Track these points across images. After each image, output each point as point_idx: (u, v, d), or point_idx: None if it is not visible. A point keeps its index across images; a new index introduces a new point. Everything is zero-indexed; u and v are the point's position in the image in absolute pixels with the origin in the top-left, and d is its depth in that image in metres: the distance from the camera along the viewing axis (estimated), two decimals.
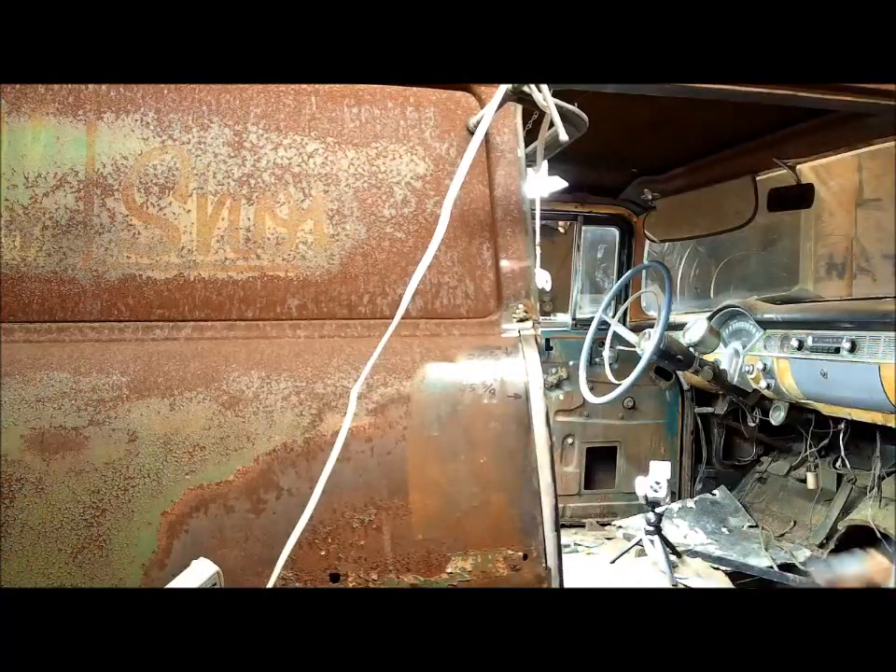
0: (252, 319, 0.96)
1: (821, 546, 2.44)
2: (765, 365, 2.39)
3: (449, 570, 0.89)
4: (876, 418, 2.09)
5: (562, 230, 3.57)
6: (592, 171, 2.80)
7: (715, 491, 2.98)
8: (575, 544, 2.77)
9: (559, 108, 0.95)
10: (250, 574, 0.84)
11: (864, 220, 2.66)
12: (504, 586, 0.90)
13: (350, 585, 0.86)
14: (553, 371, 3.01)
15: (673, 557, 2.46)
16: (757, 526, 2.75)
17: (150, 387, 0.88)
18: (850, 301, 2.54)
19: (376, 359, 0.86)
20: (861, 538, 2.21)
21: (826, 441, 2.55)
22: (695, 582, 2.36)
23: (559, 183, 2.81)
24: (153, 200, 0.94)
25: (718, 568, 2.48)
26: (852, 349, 2.03)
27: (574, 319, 3.16)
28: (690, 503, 2.92)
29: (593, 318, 2.77)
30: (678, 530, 2.76)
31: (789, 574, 2.37)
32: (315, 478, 0.82)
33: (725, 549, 2.62)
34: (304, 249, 0.98)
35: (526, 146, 1.09)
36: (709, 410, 2.97)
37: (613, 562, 2.56)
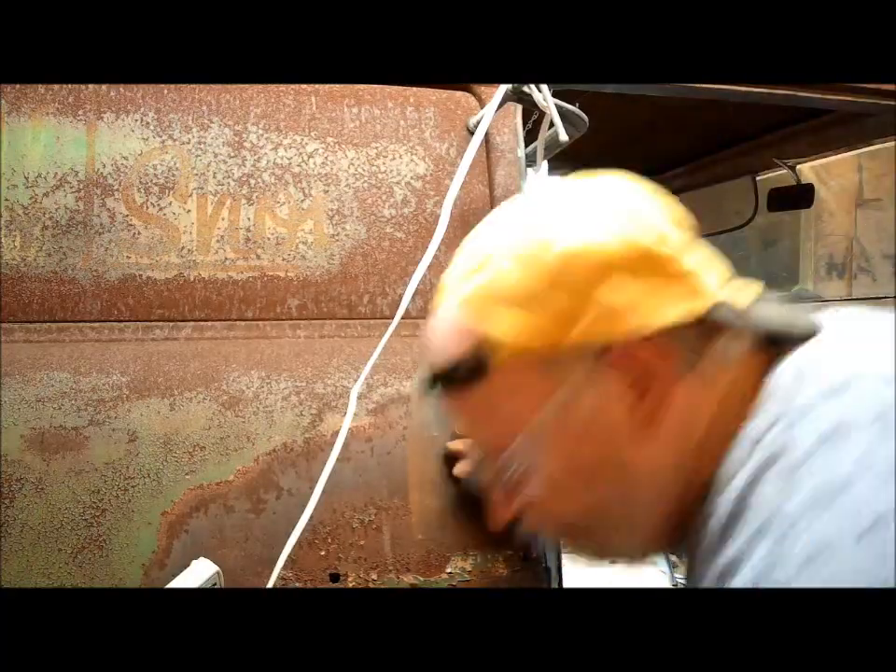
0: (252, 319, 0.96)
1: None
2: None
3: (449, 570, 0.89)
4: None
5: None
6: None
7: None
8: None
9: (559, 108, 0.95)
10: (250, 574, 0.84)
11: (864, 220, 2.66)
12: (504, 586, 0.90)
13: (350, 585, 0.86)
14: None
15: (673, 557, 2.46)
16: None
17: (150, 387, 0.88)
18: (850, 301, 2.54)
19: (376, 359, 0.86)
20: None
21: None
22: None
23: None
24: (153, 200, 0.94)
25: None
26: None
27: None
28: None
29: None
30: None
31: None
32: (315, 478, 0.83)
33: None
34: (304, 249, 0.98)
35: (526, 146, 1.09)
36: None
37: (613, 562, 2.55)
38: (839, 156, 2.30)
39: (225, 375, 0.90)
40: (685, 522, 0.55)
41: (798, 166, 2.40)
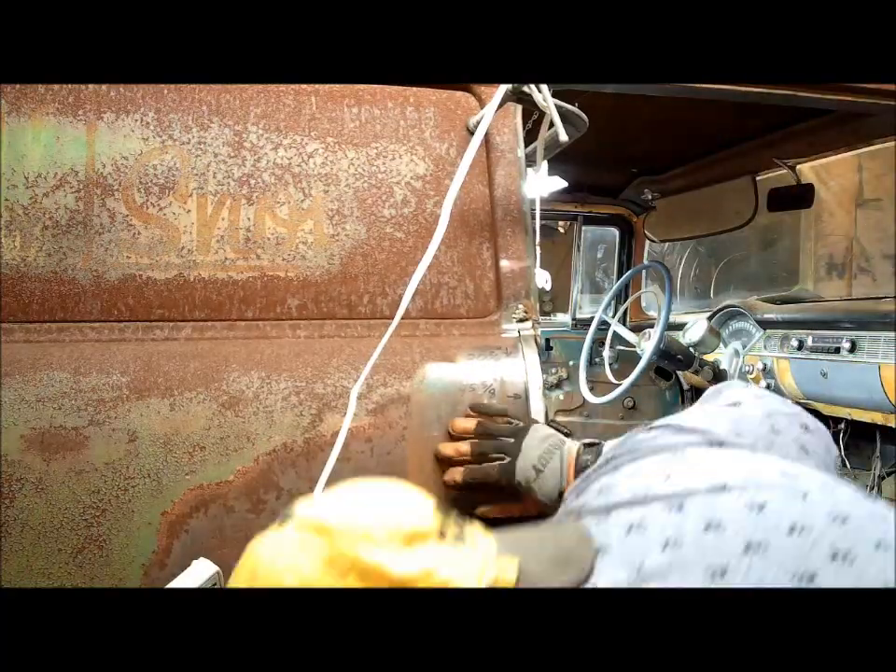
0: (252, 319, 0.96)
1: None
2: (765, 365, 2.39)
3: None
4: (876, 418, 2.09)
5: (562, 230, 3.57)
6: (592, 171, 2.80)
7: None
8: None
9: (559, 108, 0.95)
10: None
11: (864, 220, 2.66)
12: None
13: None
14: (553, 371, 3.01)
15: None
16: None
17: (150, 387, 0.88)
18: (850, 301, 2.54)
19: (376, 359, 0.86)
20: None
21: None
22: None
23: (559, 183, 2.81)
24: (153, 200, 0.94)
25: None
26: (852, 349, 2.03)
27: (574, 319, 3.16)
28: None
29: (593, 318, 2.77)
30: None
31: None
32: (315, 478, 0.82)
33: None
34: (304, 249, 0.98)
35: (526, 146, 1.09)
36: None
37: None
38: (839, 156, 2.30)
39: (225, 375, 0.90)
40: None
41: (798, 166, 2.40)
